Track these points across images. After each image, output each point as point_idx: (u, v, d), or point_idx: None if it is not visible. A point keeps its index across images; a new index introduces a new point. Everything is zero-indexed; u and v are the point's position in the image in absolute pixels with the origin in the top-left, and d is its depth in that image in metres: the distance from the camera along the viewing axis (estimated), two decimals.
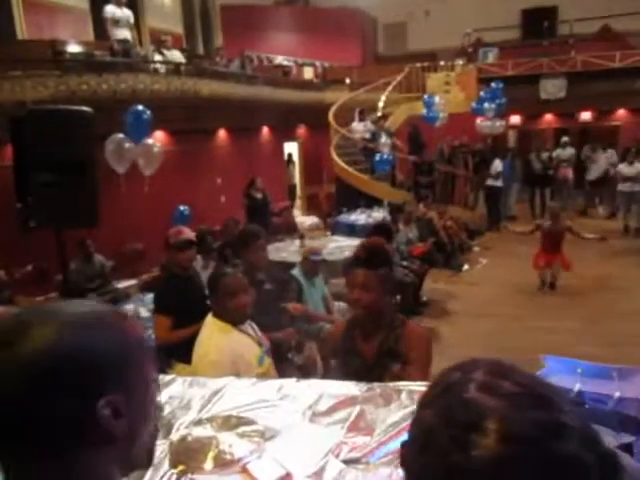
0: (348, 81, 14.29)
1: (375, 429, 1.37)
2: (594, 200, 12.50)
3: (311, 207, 13.69)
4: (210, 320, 2.51)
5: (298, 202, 13.95)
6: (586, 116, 13.75)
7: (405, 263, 6.68)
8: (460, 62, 13.96)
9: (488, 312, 6.57)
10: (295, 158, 13.98)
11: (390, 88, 12.35)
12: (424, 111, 11.10)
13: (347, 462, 1.27)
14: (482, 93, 11.05)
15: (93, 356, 0.64)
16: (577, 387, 1.10)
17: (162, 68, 8.62)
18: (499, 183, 10.79)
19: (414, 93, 12.99)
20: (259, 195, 9.20)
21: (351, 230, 8.43)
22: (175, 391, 1.72)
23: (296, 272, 4.50)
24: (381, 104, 11.65)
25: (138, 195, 6.86)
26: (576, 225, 7.95)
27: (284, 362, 3.30)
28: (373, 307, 2.01)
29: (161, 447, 1.33)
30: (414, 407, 1.48)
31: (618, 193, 10.50)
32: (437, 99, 11.09)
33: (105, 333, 0.66)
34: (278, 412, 1.49)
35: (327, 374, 3.97)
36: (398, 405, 1.46)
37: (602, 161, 11.88)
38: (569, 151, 12.60)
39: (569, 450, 0.51)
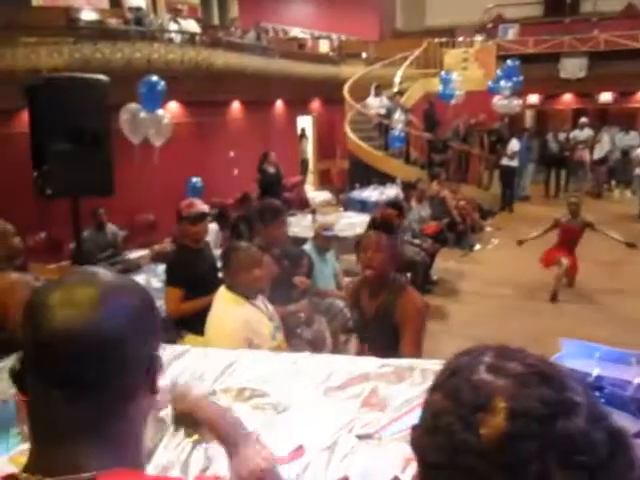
0: (364, 55, 14.08)
1: (387, 405, 1.38)
2: (609, 182, 12.34)
3: (323, 182, 13.64)
4: (224, 292, 2.52)
5: (310, 177, 13.89)
6: (606, 97, 13.47)
7: (417, 241, 6.65)
8: (479, 38, 13.70)
9: (497, 292, 6.57)
10: (308, 133, 13.88)
11: (407, 63, 12.17)
12: (440, 88, 10.94)
13: (360, 437, 1.28)
14: (498, 71, 10.86)
15: (152, 312, 0.76)
16: (596, 372, 1.08)
17: (177, 38, 8.52)
18: (514, 163, 10.67)
19: (431, 69, 12.80)
20: (272, 170, 9.16)
21: (363, 206, 8.40)
22: (189, 362, 1.73)
23: (308, 247, 4.50)
24: (397, 80, 11.48)
25: (151, 166, 6.86)
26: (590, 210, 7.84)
27: (294, 337, 3.32)
28: (381, 268, 2.28)
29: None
30: (427, 384, 1.49)
31: (635, 177, 10.35)
32: (454, 76, 10.92)
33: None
34: (291, 386, 1.51)
35: (336, 349, 4.01)
36: (411, 382, 1.47)
37: (605, 142, 11.76)
38: (587, 132, 12.41)
39: (577, 427, 0.51)
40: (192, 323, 3.21)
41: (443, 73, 11.14)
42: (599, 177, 12.04)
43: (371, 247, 2.28)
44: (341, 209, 9.21)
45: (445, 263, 7.50)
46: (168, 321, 3.30)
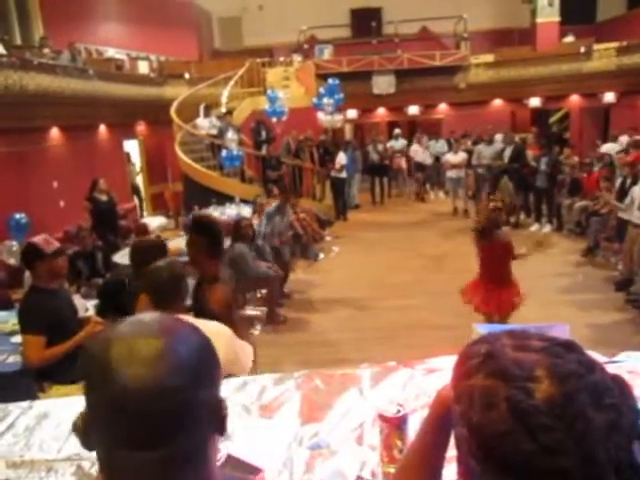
0: (187, 76, 13.94)
1: (324, 413, 1.43)
2: (425, 186, 13.69)
3: (157, 207, 13.18)
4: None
5: (140, 202, 13.32)
6: (414, 110, 14.96)
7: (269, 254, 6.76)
8: (297, 58, 14.36)
9: (348, 296, 6.93)
10: (136, 157, 13.32)
11: (232, 83, 12.31)
12: (268, 106, 11.24)
13: (312, 449, 1.31)
14: (321, 89, 11.50)
15: (209, 354, 0.74)
16: None
17: None
18: (343, 174, 11.35)
19: (255, 88, 13.11)
20: (104, 197, 8.63)
21: None
22: None
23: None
24: (224, 99, 11.56)
25: None
26: (414, 211, 8.61)
27: None
28: (195, 262, 2.85)
29: None
30: (352, 388, 1.56)
31: (447, 179, 11.64)
32: (280, 94, 11.31)
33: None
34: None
35: None
36: (337, 387, 1.53)
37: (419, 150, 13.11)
38: (401, 142, 13.66)
39: (605, 379, 0.65)
40: (55, 371, 2.95)
41: (269, 91, 11.48)
42: (419, 181, 13.30)
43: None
44: (181, 233, 8.99)
45: (294, 275, 7.73)
46: (27, 373, 2.99)
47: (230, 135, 9.52)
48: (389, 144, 13.55)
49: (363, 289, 7.19)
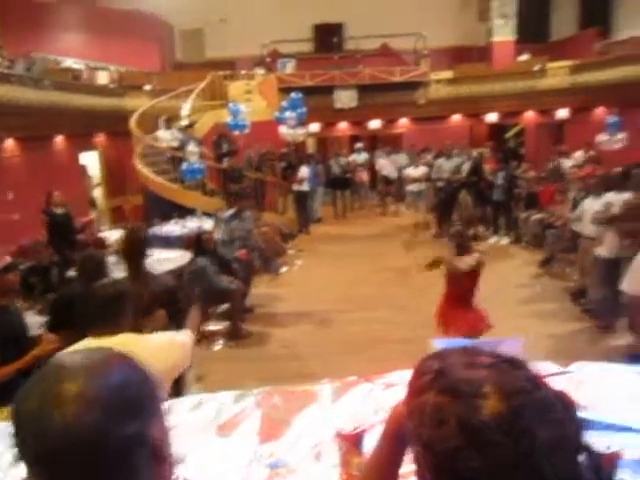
0: (148, 87, 13.78)
1: (283, 431, 1.41)
2: (385, 199, 13.83)
3: (116, 220, 12.90)
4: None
5: (100, 215, 13.03)
6: (375, 124, 15.15)
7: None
8: (260, 71, 14.38)
9: (312, 309, 6.92)
10: (94, 169, 13.04)
11: (193, 95, 12.23)
12: (230, 119, 11.20)
13: (269, 467, 1.28)
14: (284, 103, 11.52)
15: (136, 389, 0.72)
16: None
17: None
18: (305, 188, 11.37)
19: (217, 101, 13.05)
20: (60, 210, 8.39)
21: (166, 242, 8.15)
22: None
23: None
24: (186, 112, 11.47)
25: None
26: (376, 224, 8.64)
27: None
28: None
29: None
30: (312, 404, 1.55)
31: (407, 193, 11.79)
32: (243, 107, 11.28)
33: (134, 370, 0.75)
34: (175, 435, 1.42)
35: None
36: (296, 404, 1.51)
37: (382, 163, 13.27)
38: (363, 156, 13.79)
39: (550, 395, 0.67)
40: (4, 392, 2.82)
41: (231, 104, 11.43)
42: (383, 194, 13.43)
43: None
44: None
45: (256, 289, 7.65)
46: None
47: (191, 148, 9.43)
48: (351, 158, 13.67)
49: (327, 302, 7.18)
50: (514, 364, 0.69)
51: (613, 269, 5.85)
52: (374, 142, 15.75)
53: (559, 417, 0.65)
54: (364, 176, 13.48)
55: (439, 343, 1.34)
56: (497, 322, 6.18)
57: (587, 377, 1.71)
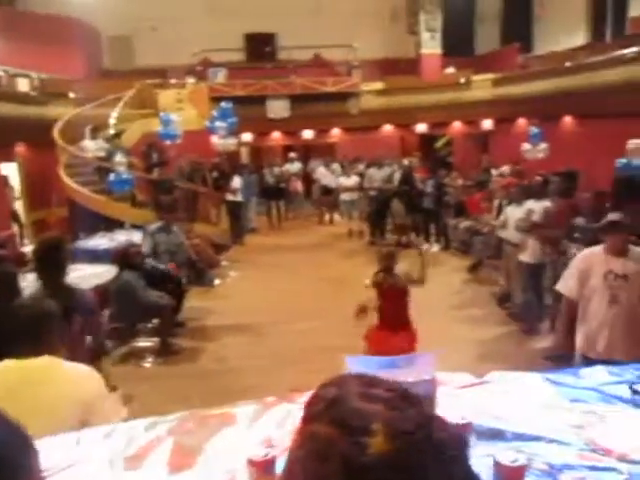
0: (73, 95, 13.27)
1: (195, 459, 1.35)
2: (322, 208, 13.91)
3: (38, 234, 12.29)
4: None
5: (20, 229, 12.39)
6: (308, 134, 15.24)
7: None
8: (191, 80, 14.17)
9: (246, 322, 6.82)
10: (14, 180, 12.39)
11: (121, 104, 11.88)
12: (161, 128, 10.95)
13: None
14: (214, 112, 11.39)
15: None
16: None
17: None
18: (239, 198, 11.26)
19: (147, 110, 12.74)
20: None
21: (94, 256, 7.83)
22: None
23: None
24: (113, 121, 11.11)
25: None
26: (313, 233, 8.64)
27: None
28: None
29: None
30: (227, 428, 1.50)
31: (341, 202, 11.91)
32: (174, 116, 11.06)
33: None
34: (82, 470, 1.35)
35: None
36: (211, 429, 1.46)
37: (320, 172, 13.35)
38: (297, 165, 13.83)
39: (441, 432, 0.65)
40: None
41: (162, 114, 11.19)
42: (319, 204, 13.49)
43: None
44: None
45: (189, 303, 7.44)
46: None
47: (119, 158, 9.14)
48: (285, 167, 13.68)
49: (262, 314, 7.10)
50: (410, 401, 0.67)
51: (535, 274, 6.13)
52: (308, 152, 15.83)
53: (451, 454, 0.63)
54: (298, 185, 13.53)
55: (351, 361, 1.33)
56: (427, 329, 6.31)
57: (500, 387, 1.75)
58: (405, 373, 1.24)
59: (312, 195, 13.96)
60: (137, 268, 5.93)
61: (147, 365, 5.76)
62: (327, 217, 13.81)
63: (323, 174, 13.17)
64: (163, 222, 6.90)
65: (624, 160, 7.28)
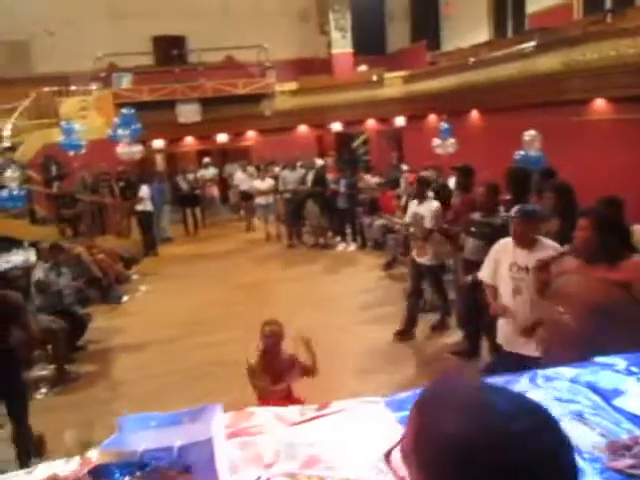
0: None
1: None
2: (239, 213, 13.64)
3: None
4: None
5: None
6: (223, 138, 14.89)
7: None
8: (95, 87, 13.51)
9: (154, 339, 6.50)
10: None
11: (16, 114, 11.15)
12: (63, 139, 10.33)
13: None
14: (116, 119, 10.88)
15: None
16: (142, 447, 1.03)
17: None
18: (149, 207, 10.79)
19: (47, 119, 12.03)
20: None
21: None
22: None
23: None
24: (7, 133, 10.39)
25: None
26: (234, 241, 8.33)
27: None
28: None
29: None
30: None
31: (257, 206, 11.69)
32: (77, 126, 10.47)
33: None
34: None
35: None
36: None
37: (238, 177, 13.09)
38: (212, 171, 13.48)
39: None
40: None
41: (64, 123, 10.56)
42: (238, 209, 13.21)
43: None
44: None
45: (94, 323, 6.99)
46: None
47: (10, 173, 8.51)
48: (200, 173, 13.31)
49: (171, 329, 6.79)
50: None
51: (437, 274, 6.20)
52: (224, 156, 15.49)
53: None
54: (214, 191, 13.21)
55: (124, 421, 1.14)
56: (338, 330, 6.28)
57: (339, 420, 1.61)
58: (182, 432, 1.07)
59: (229, 200, 13.66)
60: (23, 292, 5.49)
61: (40, 397, 5.34)
62: (247, 223, 13.57)
63: (241, 179, 12.86)
64: (51, 263, 6.33)
65: (522, 152, 7.45)
